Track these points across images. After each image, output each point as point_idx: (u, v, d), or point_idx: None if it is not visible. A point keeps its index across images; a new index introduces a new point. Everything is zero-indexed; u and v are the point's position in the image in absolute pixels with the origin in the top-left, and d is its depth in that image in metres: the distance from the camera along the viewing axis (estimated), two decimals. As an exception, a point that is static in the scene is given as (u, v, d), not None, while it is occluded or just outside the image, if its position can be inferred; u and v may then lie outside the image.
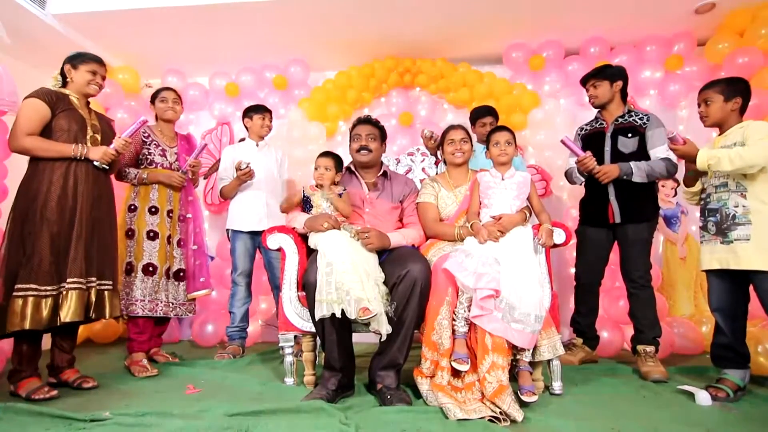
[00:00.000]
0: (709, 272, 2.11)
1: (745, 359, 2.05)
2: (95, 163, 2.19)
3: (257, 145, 3.05)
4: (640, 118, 2.45)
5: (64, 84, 2.27)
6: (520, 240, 2.03)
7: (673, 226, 3.46)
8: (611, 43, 3.64)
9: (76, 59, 2.25)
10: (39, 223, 2.05)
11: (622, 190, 2.43)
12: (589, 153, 2.41)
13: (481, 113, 3.05)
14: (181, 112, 2.83)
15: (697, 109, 2.17)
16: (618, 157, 2.44)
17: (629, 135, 2.44)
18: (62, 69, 2.26)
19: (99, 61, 2.29)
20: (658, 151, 2.38)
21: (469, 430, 1.57)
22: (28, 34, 3.23)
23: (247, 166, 2.83)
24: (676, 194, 3.52)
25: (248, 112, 3.06)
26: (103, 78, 2.31)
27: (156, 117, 2.80)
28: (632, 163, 2.37)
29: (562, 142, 2.42)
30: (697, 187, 2.22)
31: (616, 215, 2.45)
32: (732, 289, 2.04)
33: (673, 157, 2.29)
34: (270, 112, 3.09)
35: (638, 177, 2.36)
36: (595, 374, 2.35)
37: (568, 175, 2.70)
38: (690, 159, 2.09)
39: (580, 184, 2.68)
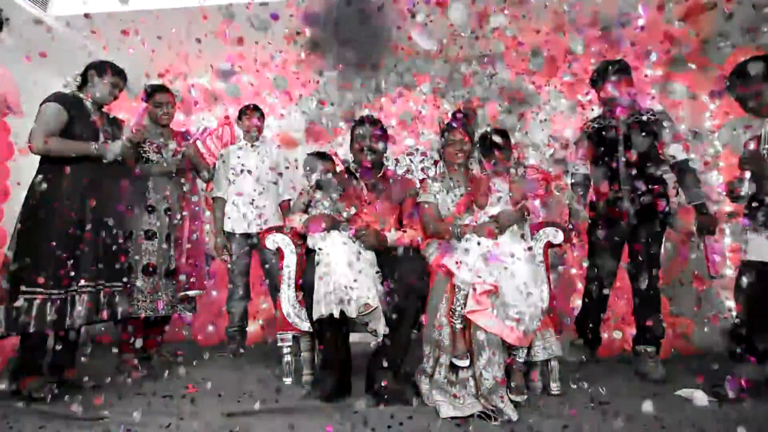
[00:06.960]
0: (745, 265, 2.02)
1: (760, 357, 1.98)
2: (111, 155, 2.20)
3: (252, 146, 3.06)
4: (652, 114, 2.42)
5: (80, 86, 2.30)
6: (517, 238, 2.03)
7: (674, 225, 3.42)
8: (612, 41, 3.62)
9: (101, 69, 2.29)
10: (47, 225, 2.06)
11: (634, 189, 2.38)
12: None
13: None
14: (174, 113, 2.85)
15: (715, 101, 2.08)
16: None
17: (643, 134, 2.37)
18: (85, 72, 2.30)
19: (122, 73, 2.36)
20: (674, 150, 2.37)
21: (464, 430, 1.57)
22: (29, 35, 3.25)
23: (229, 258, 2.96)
24: (678, 194, 3.49)
25: (239, 114, 3.08)
26: (121, 90, 2.37)
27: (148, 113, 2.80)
28: (695, 199, 2.39)
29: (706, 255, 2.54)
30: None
31: (630, 214, 2.38)
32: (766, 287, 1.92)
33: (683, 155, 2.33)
34: (259, 110, 3.09)
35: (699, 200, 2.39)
36: (594, 375, 2.34)
37: (578, 186, 2.67)
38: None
39: None
